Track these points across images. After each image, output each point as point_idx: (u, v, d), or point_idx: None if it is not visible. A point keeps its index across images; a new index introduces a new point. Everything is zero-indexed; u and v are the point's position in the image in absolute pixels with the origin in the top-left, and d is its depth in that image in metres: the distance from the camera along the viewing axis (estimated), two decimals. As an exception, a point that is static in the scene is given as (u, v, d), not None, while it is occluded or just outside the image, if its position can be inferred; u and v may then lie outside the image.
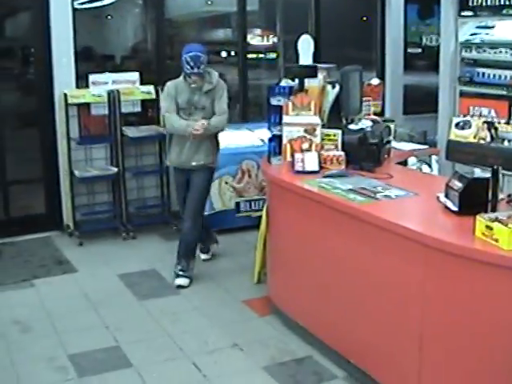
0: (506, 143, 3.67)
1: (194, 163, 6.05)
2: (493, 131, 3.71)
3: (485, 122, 3.80)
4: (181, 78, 6.02)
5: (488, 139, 3.73)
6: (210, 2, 9.36)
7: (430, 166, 6.02)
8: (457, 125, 3.86)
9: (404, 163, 5.82)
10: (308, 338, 4.99)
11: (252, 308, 5.62)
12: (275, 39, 9.16)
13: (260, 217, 5.90)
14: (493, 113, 4.00)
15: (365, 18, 9.76)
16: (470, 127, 3.79)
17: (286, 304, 5.28)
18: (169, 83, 6.09)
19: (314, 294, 4.86)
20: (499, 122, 3.81)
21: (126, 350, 5.01)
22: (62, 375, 4.67)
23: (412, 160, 5.90)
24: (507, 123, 3.78)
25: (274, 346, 4.99)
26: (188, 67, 5.79)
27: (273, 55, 9.18)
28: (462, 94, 4.72)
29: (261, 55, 9.35)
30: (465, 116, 4.03)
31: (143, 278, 6.38)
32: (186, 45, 6.00)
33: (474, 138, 3.78)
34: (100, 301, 5.86)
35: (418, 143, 6.59)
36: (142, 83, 7.72)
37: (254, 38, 9.27)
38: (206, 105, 5.96)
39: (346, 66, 5.77)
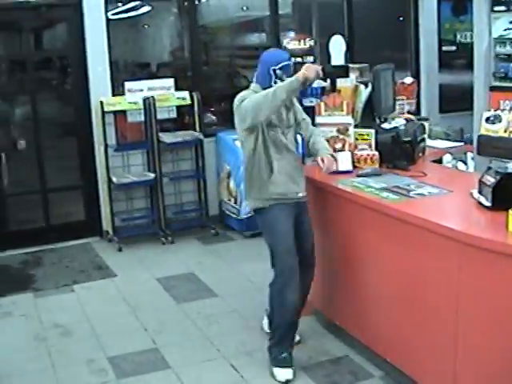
0: (537, 136, 3.65)
1: (301, 194, 4.69)
2: (523, 125, 3.70)
3: (515, 115, 3.79)
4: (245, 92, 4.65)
5: (519, 133, 3.72)
6: (245, 8, 9.40)
7: (465, 163, 5.97)
8: (487, 119, 3.86)
9: (439, 161, 5.78)
10: (345, 338, 5.00)
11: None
12: (312, 42, 9.15)
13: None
14: (523, 106, 3.98)
15: (399, 17, 9.71)
16: (500, 121, 3.78)
17: (324, 304, 5.29)
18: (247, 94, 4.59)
19: (351, 294, 4.86)
20: (530, 116, 3.79)
21: (164, 351, 5.07)
22: (100, 377, 4.75)
23: (447, 158, 5.84)
24: (537, 116, 3.77)
25: (312, 347, 5.00)
26: (278, 81, 4.50)
27: (310, 58, 9.17)
28: (493, 89, 4.68)
29: (298, 59, 9.35)
30: (495, 110, 3.99)
31: (181, 281, 6.44)
32: (265, 52, 4.75)
33: (505, 131, 3.77)
34: (138, 304, 5.94)
35: (455, 141, 6.54)
36: (177, 89, 7.79)
37: (291, 42, 9.29)
38: (292, 121, 4.73)
39: (388, 64, 5.77)
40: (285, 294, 4.56)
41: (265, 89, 4.45)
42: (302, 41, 9.20)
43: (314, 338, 5.14)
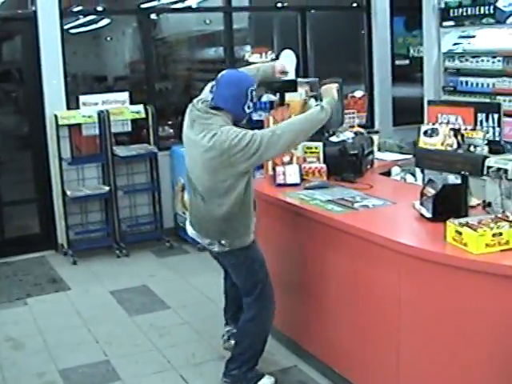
0: (472, 149, 3.75)
1: None
2: (459, 138, 3.79)
3: (451, 129, 3.88)
4: (229, 124, 4.18)
5: (455, 146, 3.82)
6: (207, 22, 9.47)
7: (414, 175, 6.07)
8: (425, 132, 3.95)
9: (388, 173, 5.88)
10: (294, 348, 5.06)
11: (240, 320, 5.69)
12: (273, 55, 9.24)
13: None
14: (460, 120, 4.08)
15: (352, 31, 9.84)
16: (437, 135, 3.87)
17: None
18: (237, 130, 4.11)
19: (298, 304, 4.92)
20: (465, 129, 3.89)
21: (115, 363, 5.09)
22: (51, 390, 4.76)
23: (396, 170, 5.95)
24: (473, 129, 3.87)
25: (261, 357, 5.04)
26: (251, 104, 4.25)
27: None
28: (430, 103, 4.81)
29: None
30: (433, 124, 4.09)
31: (134, 293, 6.47)
32: (229, 74, 4.33)
33: (442, 145, 3.86)
34: (91, 317, 5.95)
35: (408, 154, 6.64)
36: (133, 103, 7.82)
37: (252, 56, 9.36)
38: None
39: (336, 77, 5.85)
40: (271, 320, 4.60)
41: (234, 114, 4.19)
42: (264, 54, 9.27)
43: (263, 348, 5.20)
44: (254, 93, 4.23)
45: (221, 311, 5.08)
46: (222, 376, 4.61)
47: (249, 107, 4.22)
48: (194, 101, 4.38)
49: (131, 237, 7.86)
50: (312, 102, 5.65)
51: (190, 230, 4.60)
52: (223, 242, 4.29)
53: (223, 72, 4.34)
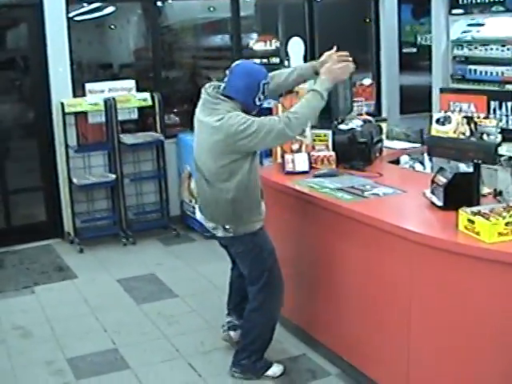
0: (485, 137, 3.72)
1: None
2: (472, 126, 3.76)
3: (464, 116, 3.85)
4: (237, 111, 4.17)
5: (468, 134, 3.79)
6: (212, 9, 9.43)
7: (422, 164, 6.05)
8: (437, 121, 3.92)
9: (396, 162, 5.86)
10: (302, 337, 5.05)
11: (249, 309, 5.68)
12: (278, 43, 9.21)
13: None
14: (472, 107, 4.05)
15: (360, 19, 9.80)
16: (450, 122, 3.84)
17: (281, 304, 5.34)
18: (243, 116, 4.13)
19: (307, 293, 4.91)
20: (478, 117, 3.86)
21: (124, 352, 5.08)
22: (59, 378, 4.76)
23: (404, 158, 5.93)
24: (486, 118, 3.84)
25: (270, 346, 5.02)
26: (262, 97, 4.27)
27: (276, 59, 9.22)
28: (443, 90, 4.78)
29: (264, 60, 9.40)
30: (445, 112, 4.06)
31: (142, 282, 6.46)
32: (244, 64, 4.40)
33: (454, 132, 3.83)
34: (99, 305, 5.94)
35: (415, 142, 6.62)
36: (139, 90, 7.79)
37: (256, 43, 9.33)
38: None
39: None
40: (279, 309, 4.61)
41: (244, 105, 4.21)
42: (268, 42, 9.24)
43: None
44: (266, 86, 4.23)
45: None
46: (231, 366, 4.64)
47: (260, 99, 4.24)
48: (207, 85, 4.37)
49: (138, 225, 7.84)
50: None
51: (198, 215, 4.63)
52: (227, 226, 4.31)
53: (238, 62, 4.38)
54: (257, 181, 4.36)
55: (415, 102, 9.08)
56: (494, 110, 4.01)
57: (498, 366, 3.49)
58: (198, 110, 4.38)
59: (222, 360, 4.83)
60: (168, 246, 7.45)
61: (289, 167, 5.05)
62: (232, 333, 4.92)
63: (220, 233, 4.38)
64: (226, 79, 4.26)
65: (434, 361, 3.77)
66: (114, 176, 7.55)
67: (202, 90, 4.37)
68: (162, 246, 7.53)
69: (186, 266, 6.82)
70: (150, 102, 7.73)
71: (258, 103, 4.25)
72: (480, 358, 3.55)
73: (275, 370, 4.64)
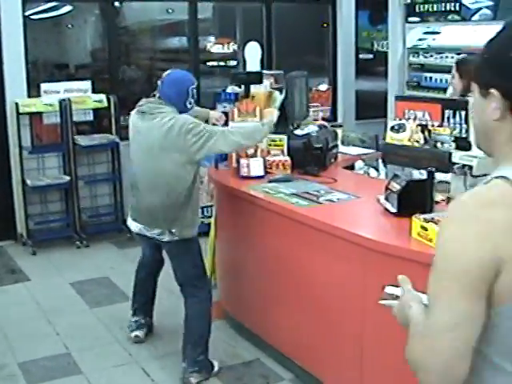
0: (439, 145, 3.76)
1: None
2: (426, 134, 3.80)
3: (419, 124, 3.89)
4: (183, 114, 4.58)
5: (422, 142, 3.83)
6: (170, 11, 9.40)
7: (377, 169, 6.09)
8: (392, 128, 3.95)
9: (351, 167, 5.89)
10: (256, 342, 5.05)
11: (202, 313, 5.67)
12: (235, 47, 9.21)
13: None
14: (427, 116, 4.09)
15: (317, 24, 9.85)
16: (404, 130, 3.88)
17: (235, 308, 5.34)
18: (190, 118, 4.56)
19: (261, 298, 4.92)
20: (432, 125, 3.90)
21: (76, 356, 5.04)
22: (10, 383, 4.69)
23: (359, 164, 5.96)
24: (440, 126, 3.89)
25: (223, 350, 5.04)
26: (192, 101, 4.68)
27: (233, 62, 9.22)
28: (398, 98, 4.83)
29: (221, 63, 9.40)
30: (400, 119, 4.10)
31: (95, 285, 6.40)
32: (172, 73, 4.79)
33: (409, 140, 3.87)
34: (51, 309, 5.88)
35: (370, 148, 6.66)
36: (95, 92, 7.73)
37: (214, 46, 9.32)
38: None
39: (301, 71, 5.86)
40: (211, 306, 4.78)
41: (178, 109, 4.54)
42: (226, 45, 9.23)
43: (225, 341, 5.18)
44: (194, 91, 4.65)
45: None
46: (187, 367, 4.65)
47: (190, 103, 4.64)
48: (143, 100, 4.71)
49: (92, 227, 7.78)
50: (277, 94, 5.64)
51: (133, 226, 4.83)
52: (173, 230, 4.52)
53: (168, 71, 4.80)
54: (199, 189, 4.78)
55: (371, 107, 9.15)
56: (448, 118, 4.04)
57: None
58: (135, 122, 4.70)
59: (175, 365, 4.81)
60: (122, 249, 7.40)
61: (244, 172, 5.05)
62: (140, 332, 5.19)
63: (166, 237, 4.56)
64: (158, 88, 4.66)
65: (388, 366, 3.80)
66: (68, 178, 7.47)
67: (137, 107, 4.71)
68: (115, 248, 7.48)
69: (140, 270, 6.77)
70: (105, 104, 7.68)
71: (189, 106, 4.64)
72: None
73: (215, 364, 4.78)
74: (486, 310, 1.61)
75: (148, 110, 4.56)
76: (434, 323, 1.67)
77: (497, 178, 1.65)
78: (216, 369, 4.76)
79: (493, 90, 1.66)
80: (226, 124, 5.33)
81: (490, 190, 1.66)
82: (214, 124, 5.25)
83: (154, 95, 4.70)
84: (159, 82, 4.68)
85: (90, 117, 7.75)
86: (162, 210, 4.52)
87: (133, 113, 4.76)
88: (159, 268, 5.25)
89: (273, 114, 5.03)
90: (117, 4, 8.48)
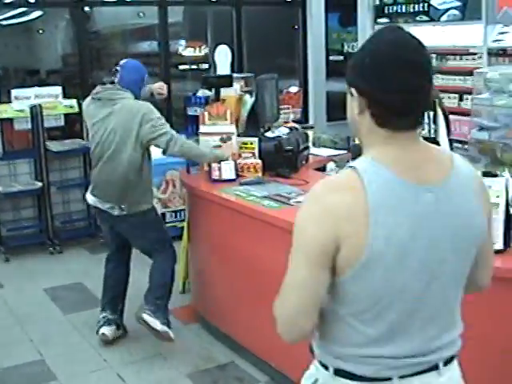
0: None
1: None
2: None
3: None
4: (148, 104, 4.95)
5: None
6: (141, 15, 9.41)
7: (348, 171, 6.13)
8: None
9: (323, 169, 5.91)
10: (231, 345, 5.05)
11: (177, 317, 5.64)
12: (207, 50, 9.23)
13: (184, 226, 5.96)
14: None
15: (287, 27, 9.88)
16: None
17: (209, 312, 5.34)
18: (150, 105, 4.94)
19: (234, 300, 4.92)
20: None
21: (51, 363, 5.01)
22: (-16, 391, 4.67)
23: (331, 165, 5.98)
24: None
25: (197, 354, 5.04)
26: (143, 88, 5.14)
27: (205, 65, 9.24)
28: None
29: (193, 66, 9.41)
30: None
31: (69, 291, 6.38)
32: (129, 61, 5.16)
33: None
34: (25, 316, 5.84)
35: (342, 149, 6.69)
36: (66, 97, 7.71)
37: (186, 49, 9.33)
38: None
39: (271, 74, 5.88)
40: (174, 265, 5.19)
41: (134, 94, 4.93)
42: (198, 48, 9.26)
43: (199, 345, 5.19)
44: (146, 78, 5.11)
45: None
46: (144, 304, 4.97)
47: (141, 89, 5.06)
48: (98, 87, 5.04)
49: (64, 233, 7.74)
50: (247, 97, 5.66)
51: (90, 199, 5.18)
52: (122, 206, 4.92)
53: (125, 60, 5.16)
54: (150, 173, 5.07)
55: (342, 109, 9.13)
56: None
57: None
58: (92, 109, 5.05)
59: (150, 370, 4.82)
60: (95, 254, 7.36)
61: (215, 175, 5.06)
62: (106, 328, 5.22)
63: (116, 212, 4.94)
64: (118, 74, 4.98)
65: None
66: (40, 184, 7.44)
67: (93, 94, 5.05)
68: (89, 254, 7.45)
69: (113, 275, 6.76)
70: (76, 109, 7.64)
71: (141, 93, 5.06)
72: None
73: (170, 331, 4.96)
74: (332, 279, 1.99)
75: (108, 95, 4.90)
76: (285, 284, 2.10)
77: (349, 167, 1.99)
78: (166, 329, 4.92)
79: (353, 90, 2.04)
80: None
81: (338, 178, 2.10)
82: (159, 94, 5.46)
83: (112, 82, 4.99)
84: (118, 69, 5.00)
85: (61, 122, 7.72)
86: (114, 186, 4.90)
87: (87, 101, 5.14)
88: (126, 261, 5.42)
89: (225, 154, 5.16)
90: (87, 9, 8.48)
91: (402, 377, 2.07)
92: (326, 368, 2.18)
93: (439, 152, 2.15)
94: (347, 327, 2.08)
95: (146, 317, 4.87)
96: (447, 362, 2.13)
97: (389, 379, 2.07)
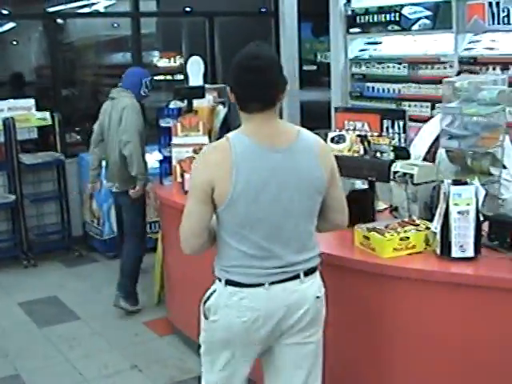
0: (378, 155, 3.82)
1: None
2: (366, 144, 3.85)
3: (358, 135, 3.95)
4: (134, 100, 5.83)
5: (362, 152, 3.88)
6: (115, 25, 9.39)
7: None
8: (332, 139, 4.00)
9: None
10: (207, 356, 5.04)
11: (152, 329, 5.66)
12: (182, 60, 9.22)
13: (159, 238, 5.95)
14: (366, 126, 4.15)
15: (261, 37, 9.89)
16: (344, 141, 3.93)
17: (184, 323, 5.31)
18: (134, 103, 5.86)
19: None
20: (372, 135, 3.96)
21: (26, 377, 4.99)
22: (-43, 407, 4.63)
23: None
24: (379, 136, 3.94)
25: (173, 365, 5.03)
26: (147, 90, 5.95)
27: (180, 76, 9.23)
28: (337, 109, 4.91)
29: (168, 77, 9.40)
30: (340, 130, 4.15)
31: (44, 305, 6.35)
32: (131, 68, 6.35)
33: (349, 151, 3.92)
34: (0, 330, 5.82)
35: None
36: (39, 109, 7.67)
37: (161, 60, 9.32)
38: None
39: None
40: (141, 255, 6.07)
41: (135, 95, 5.85)
42: (172, 59, 9.25)
43: (175, 356, 5.18)
44: (147, 83, 5.94)
45: (132, 321, 5.09)
46: (117, 290, 5.96)
47: (144, 92, 5.93)
48: (112, 93, 6.01)
49: (39, 246, 7.68)
50: (220, 108, 5.67)
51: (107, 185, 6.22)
52: (116, 184, 5.93)
53: (129, 68, 6.27)
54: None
55: (316, 118, 9.20)
56: (387, 128, 4.10)
57: (398, 375, 3.58)
58: (106, 107, 6.00)
59: (125, 382, 4.80)
60: (70, 267, 7.34)
61: (188, 186, 5.04)
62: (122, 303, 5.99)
63: (114, 189, 6.00)
64: (122, 79, 5.99)
65: (347, 373, 3.83)
66: (13, 197, 7.39)
67: (110, 94, 6.02)
68: (64, 267, 7.41)
69: (88, 288, 6.74)
70: (49, 121, 7.62)
71: (143, 94, 5.94)
72: (378, 366, 3.63)
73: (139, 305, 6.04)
74: (213, 210, 2.91)
75: (115, 94, 5.92)
76: (183, 215, 2.99)
77: (224, 137, 2.94)
78: (139, 306, 6.02)
79: (228, 89, 2.99)
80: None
81: (216, 143, 3.05)
82: None
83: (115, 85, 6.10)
84: (123, 76, 6.03)
85: (35, 135, 7.68)
86: (113, 168, 5.90)
87: (106, 102, 6.06)
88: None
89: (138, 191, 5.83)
90: (60, 21, 8.45)
91: (271, 283, 2.93)
92: (220, 280, 3.02)
93: (289, 127, 3.02)
94: (227, 246, 2.97)
95: (122, 304, 5.92)
96: (307, 273, 3.01)
97: (262, 285, 2.93)
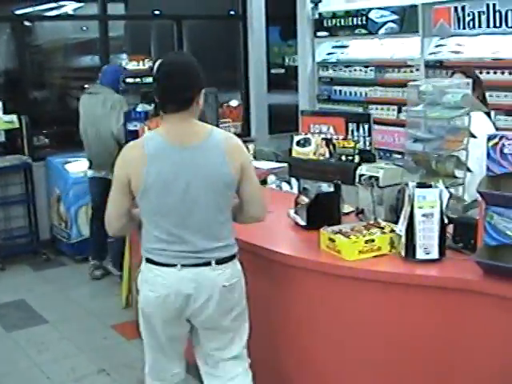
0: (343, 158, 3.85)
1: None
2: (331, 147, 3.89)
3: (323, 138, 3.98)
4: (116, 94, 6.68)
5: (327, 155, 3.91)
6: (84, 28, 9.35)
7: (289, 183, 6.16)
8: (298, 143, 4.03)
9: (264, 182, 5.94)
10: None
11: (120, 332, 5.65)
12: (151, 63, 9.19)
13: (127, 241, 5.95)
14: (331, 130, 4.18)
15: (228, 40, 9.92)
16: (310, 144, 3.97)
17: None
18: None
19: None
20: (337, 139, 4.00)
21: (-7, 383, 4.96)
22: None
23: (271, 178, 6.02)
24: (344, 139, 3.98)
25: (141, 369, 4.98)
26: (123, 85, 6.91)
27: (149, 79, 9.18)
28: (303, 113, 4.95)
29: (137, 79, 9.35)
30: (306, 134, 4.19)
31: (11, 308, 6.30)
32: (109, 66, 7.40)
33: (314, 154, 3.95)
34: (-34, 335, 5.77)
35: (284, 162, 6.72)
36: (6, 112, 7.62)
37: (130, 63, 9.28)
38: None
39: (211, 88, 5.89)
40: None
41: (113, 89, 6.69)
42: (141, 61, 9.22)
43: (143, 360, 4.96)
44: (122, 77, 6.93)
45: (100, 324, 5.06)
46: (109, 257, 6.86)
47: (121, 86, 6.82)
48: (90, 86, 7.00)
49: (6, 250, 7.61)
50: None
51: (89, 173, 6.83)
52: (103, 172, 6.41)
53: (105, 66, 7.27)
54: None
55: (284, 121, 9.23)
56: (352, 131, 4.14)
57: (365, 375, 3.61)
58: (84, 100, 6.80)
59: (93, 386, 4.80)
60: (38, 270, 7.30)
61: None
62: (97, 272, 6.91)
63: (103, 175, 6.44)
64: (99, 77, 6.84)
65: (318, 375, 3.86)
66: (-20, 201, 7.35)
67: (87, 89, 6.93)
68: (31, 271, 7.37)
69: (56, 291, 6.71)
70: (17, 124, 7.57)
71: (120, 88, 6.78)
72: (349, 369, 3.66)
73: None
74: (132, 200, 3.31)
75: (95, 90, 6.70)
76: (108, 201, 3.37)
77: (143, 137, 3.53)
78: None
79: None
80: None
81: (133, 142, 3.43)
82: None
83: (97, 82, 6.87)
84: (100, 74, 6.89)
85: (2, 138, 7.60)
86: (104, 155, 6.19)
87: (82, 96, 6.83)
88: None
89: None
90: (28, 23, 8.40)
91: (183, 265, 3.27)
92: (143, 259, 3.39)
93: (201, 127, 3.33)
94: (145, 230, 3.36)
95: (110, 268, 6.88)
96: (219, 262, 3.32)
97: (175, 265, 3.27)
